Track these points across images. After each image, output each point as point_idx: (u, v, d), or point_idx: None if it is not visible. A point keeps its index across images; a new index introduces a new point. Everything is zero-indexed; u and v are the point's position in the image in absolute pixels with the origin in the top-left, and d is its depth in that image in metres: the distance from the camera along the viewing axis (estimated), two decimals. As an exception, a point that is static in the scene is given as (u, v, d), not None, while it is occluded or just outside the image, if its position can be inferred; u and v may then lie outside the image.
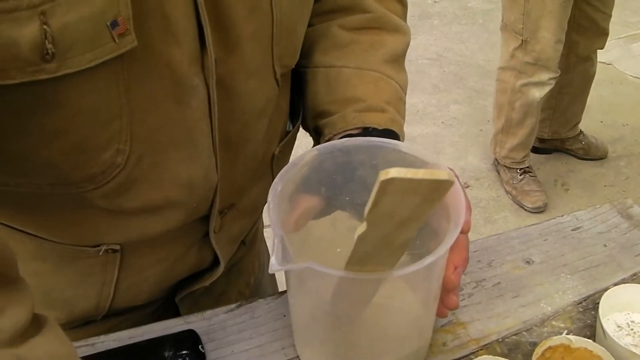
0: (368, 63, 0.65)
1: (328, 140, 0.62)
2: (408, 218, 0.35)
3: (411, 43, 0.71)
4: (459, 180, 0.52)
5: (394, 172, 0.29)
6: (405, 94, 0.68)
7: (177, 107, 0.51)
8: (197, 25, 0.48)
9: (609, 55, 3.08)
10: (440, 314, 0.56)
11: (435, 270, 0.50)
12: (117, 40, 0.42)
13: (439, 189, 0.30)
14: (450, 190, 0.35)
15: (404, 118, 0.66)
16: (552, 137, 2.41)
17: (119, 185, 0.52)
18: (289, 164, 0.54)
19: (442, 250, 0.45)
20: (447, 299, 0.53)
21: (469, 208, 0.51)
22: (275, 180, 0.51)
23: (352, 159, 0.55)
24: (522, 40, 2.00)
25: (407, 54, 0.70)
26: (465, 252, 0.54)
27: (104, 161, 0.49)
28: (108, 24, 0.41)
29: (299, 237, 0.55)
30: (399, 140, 0.62)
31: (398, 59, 0.67)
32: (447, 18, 3.69)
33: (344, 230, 0.58)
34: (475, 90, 2.97)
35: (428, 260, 0.44)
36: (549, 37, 1.95)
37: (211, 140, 0.55)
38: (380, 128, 0.61)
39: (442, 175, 0.29)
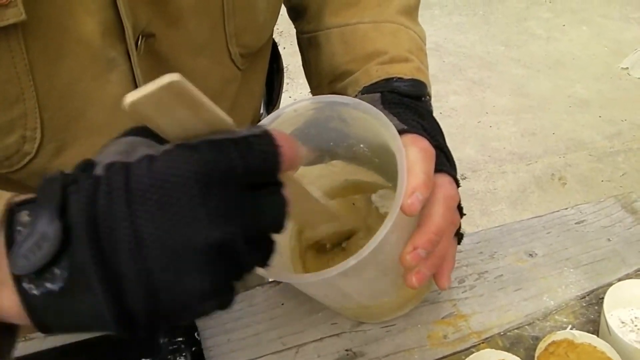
0: (383, 15, 0.62)
1: None
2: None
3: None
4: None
5: (129, 96, 0.26)
6: (425, 45, 0.65)
7: (95, 84, 0.47)
8: None
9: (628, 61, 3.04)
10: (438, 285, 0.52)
11: (380, 257, 0.47)
12: None
13: (176, 93, 0.27)
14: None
15: (427, 69, 0.63)
16: None
17: (36, 173, 0.49)
18: None
19: (369, 247, 0.43)
20: (406, 277, 0.48)
21: (422, 187, 0.45)
22: None
23: (318, 116, 0.51)
24: None
25: None
26: (430, 235, 0.47)
27: (6, 146, 0.47)
28: None
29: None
30: (427, 90, 0.59)
31: (412, 12, 0.65)
32: (447, 8, 3.67)
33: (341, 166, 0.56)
34: (474, 81, 2.95)
35: (351, 262, 0.43)
36: None
37: None
38: (406, 78, 0.57)
39: (164, 79, 0.26)
